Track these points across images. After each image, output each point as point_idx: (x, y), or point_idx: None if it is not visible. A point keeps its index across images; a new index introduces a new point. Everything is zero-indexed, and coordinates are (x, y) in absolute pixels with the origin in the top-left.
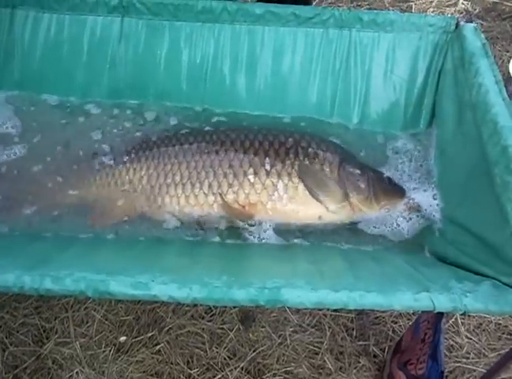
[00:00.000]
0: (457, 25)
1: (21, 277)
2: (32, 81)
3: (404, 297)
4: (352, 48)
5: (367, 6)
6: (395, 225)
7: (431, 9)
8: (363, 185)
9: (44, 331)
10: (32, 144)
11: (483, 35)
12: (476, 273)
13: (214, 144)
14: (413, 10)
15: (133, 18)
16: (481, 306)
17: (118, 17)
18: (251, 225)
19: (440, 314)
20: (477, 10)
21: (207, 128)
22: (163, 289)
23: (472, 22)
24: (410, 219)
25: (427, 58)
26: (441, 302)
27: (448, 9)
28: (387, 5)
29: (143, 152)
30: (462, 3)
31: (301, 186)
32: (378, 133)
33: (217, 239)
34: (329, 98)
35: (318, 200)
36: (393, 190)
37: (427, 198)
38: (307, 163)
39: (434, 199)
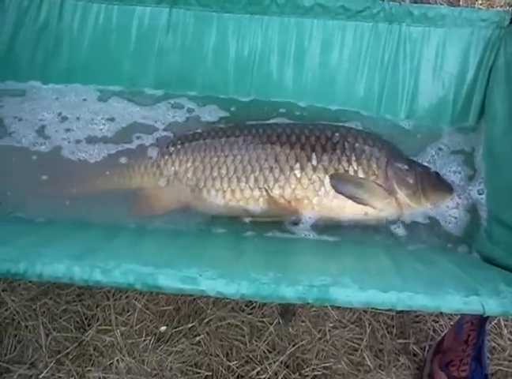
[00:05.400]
0: None
1: (71, 268)
2: (80, 70)
3: (454, 300)
4: (401, 43)
5: None
6: (441, 223)
7: (480, 1)
8: (411, 181)
9: (86, 318)
10: (76, 132)
11: None
12: None
13: (260, 137)
14: (461, 2)
15: (181, 9)
16: None
17: (167, 8)
18: (296, 220)
19: (485, 316)
20: None
21: (253, 121)
22: (212, 284)
23: None
24: (457, 217)
25: (478, 53)
26: (491, 306)
27: (498, 0)
28: None
29: (189, 144)
30: None
31: None
32: (425, 129)
33: (262, 233)
34: (376, 92)
35: (363, 204)
36: (441, 185)
37: (473, 195)
38: (337, 168)
39: (480, 194)
